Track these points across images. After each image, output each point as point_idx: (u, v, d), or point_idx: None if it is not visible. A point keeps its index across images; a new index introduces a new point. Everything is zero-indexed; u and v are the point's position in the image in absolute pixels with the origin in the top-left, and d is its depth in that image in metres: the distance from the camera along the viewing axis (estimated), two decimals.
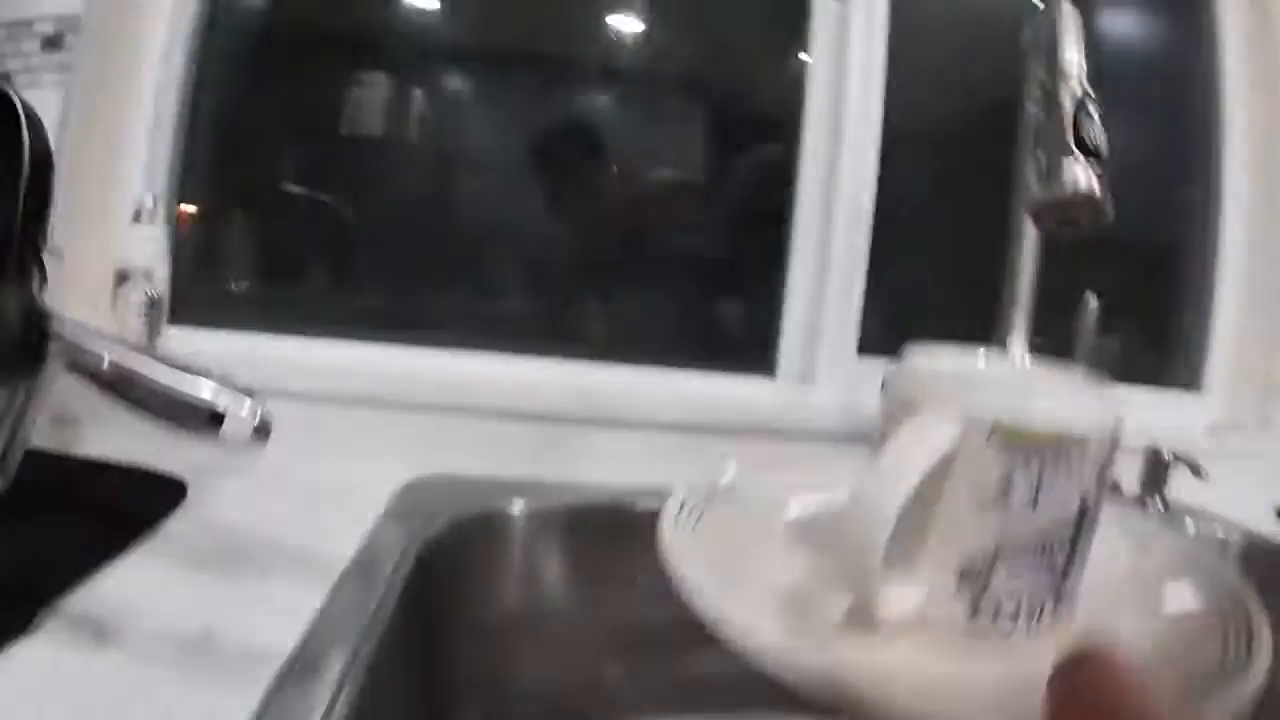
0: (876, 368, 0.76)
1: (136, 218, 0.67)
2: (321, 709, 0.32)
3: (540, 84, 0.85)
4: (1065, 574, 0.27)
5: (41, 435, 0.53)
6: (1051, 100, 0.60)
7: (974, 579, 0.26)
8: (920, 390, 0.28)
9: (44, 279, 0.46)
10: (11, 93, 0.44)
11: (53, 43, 0.70)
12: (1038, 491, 0.26)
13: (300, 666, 0.34)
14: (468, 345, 0.77)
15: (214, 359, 0.71)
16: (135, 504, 0.52)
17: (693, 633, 0.26)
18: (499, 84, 0.86)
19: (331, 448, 0.65)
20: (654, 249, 0.87)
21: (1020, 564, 0.26)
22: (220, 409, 0.32)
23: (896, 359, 0.31)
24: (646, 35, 0.85)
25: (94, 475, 0.56)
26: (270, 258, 0.86)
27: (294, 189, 0.85)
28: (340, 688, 0.33)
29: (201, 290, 0.80)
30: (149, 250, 0.67)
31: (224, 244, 0.85)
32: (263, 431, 0.32)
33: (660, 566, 0.28)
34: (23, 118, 0.43)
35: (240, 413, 0.32)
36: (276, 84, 0.84)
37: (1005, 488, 0.26)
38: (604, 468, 0.67)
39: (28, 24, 0.71)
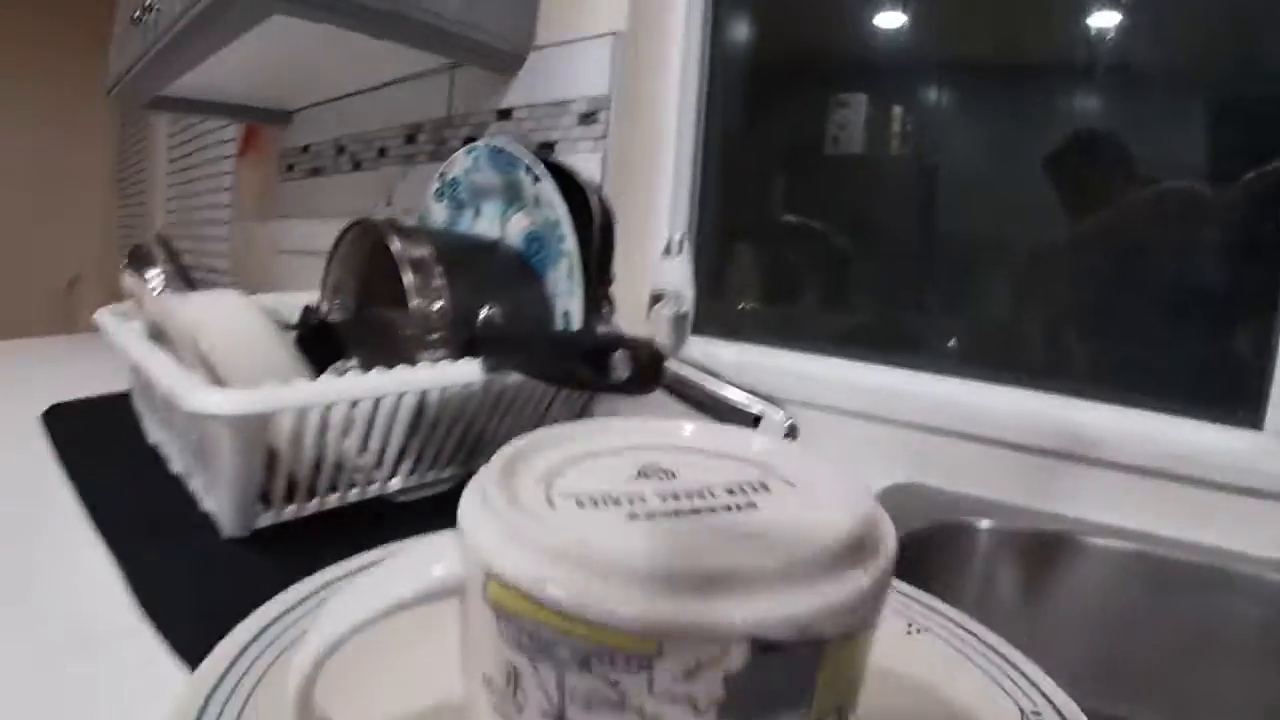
0: None
1: (667, 251, 0.85)
2: None
3: (1019, 90, 0.81)
4: None
5: None
6: None
7: None
8: (493, 484, 0.19)
9: (612, 309, 0.64)
10: (580, 178, 0.59)
11: (587, 118, 0.90)
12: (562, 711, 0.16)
13: None
14: (944, 370, 0.78)
15: (727, 366, 0.84)
16: None
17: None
18: (975, 94, 0.85)
19: (820, 450, 0.75)
20: (1146, 272, 0.76)
21: None
22: (758, 413, 0.43)
23: None
24: (1129, 27, 0.74)
25: None
26: (770, 281, 0.99)
27: (790, 218, 0.96)
28: None
29: (717, 308, 0.95)
30: (676, 277, 0.84)
31: (734, 269, 1.01)
32: (791, 434, 0.42)
33: None
34: (592, 196, 0.59)
35: (775, 418, 0.42)
36: (764, 118, 0.95)
37: (510, 682, 0.17)
38: (1067, 503, 0.67)
39: (565, 104, 0.92)
